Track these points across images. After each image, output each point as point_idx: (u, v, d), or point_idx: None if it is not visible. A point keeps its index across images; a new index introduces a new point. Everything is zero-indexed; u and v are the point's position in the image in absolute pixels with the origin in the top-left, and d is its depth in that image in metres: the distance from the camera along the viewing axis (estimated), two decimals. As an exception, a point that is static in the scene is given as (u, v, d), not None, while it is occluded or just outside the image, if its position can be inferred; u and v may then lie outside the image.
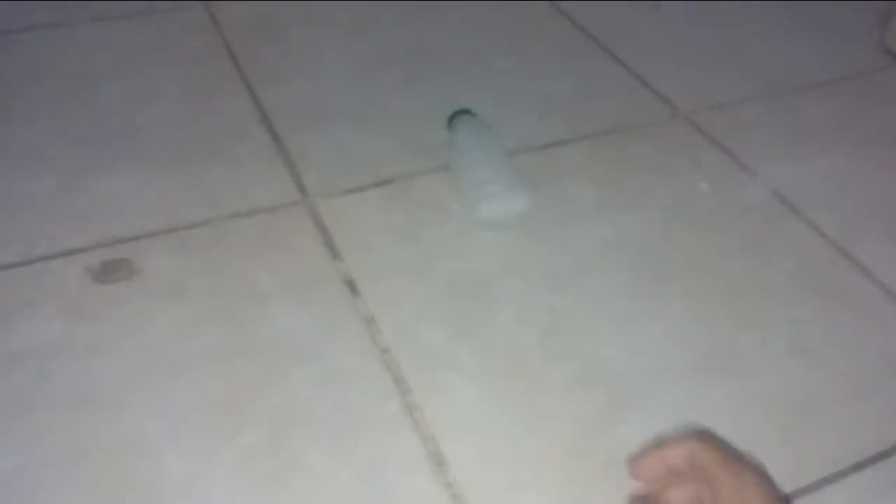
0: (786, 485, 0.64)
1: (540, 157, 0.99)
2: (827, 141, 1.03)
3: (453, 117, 0.98)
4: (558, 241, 0.87)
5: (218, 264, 0.81)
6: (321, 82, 1.08)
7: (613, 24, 1.23)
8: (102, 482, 0.62)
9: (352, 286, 0.80)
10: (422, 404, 0.69)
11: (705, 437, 0.56)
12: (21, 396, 0.68)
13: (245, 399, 0.68)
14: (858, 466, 0.67)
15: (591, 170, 0.97)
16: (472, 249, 0.85)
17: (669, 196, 0.93)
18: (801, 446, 0.68)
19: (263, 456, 0.64)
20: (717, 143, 1.02)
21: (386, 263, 0.82)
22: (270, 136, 0.98)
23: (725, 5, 1.30)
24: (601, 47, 1.19)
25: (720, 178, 0.96)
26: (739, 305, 0.80)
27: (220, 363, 0.71)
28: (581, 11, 1.26)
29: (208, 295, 0.77)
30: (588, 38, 1.20)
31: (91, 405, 0.67)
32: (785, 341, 0.77)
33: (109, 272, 0.79)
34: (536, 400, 0.70)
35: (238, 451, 0.65)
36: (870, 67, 1.18)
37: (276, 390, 0.69)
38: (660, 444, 0.58)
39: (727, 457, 0.54)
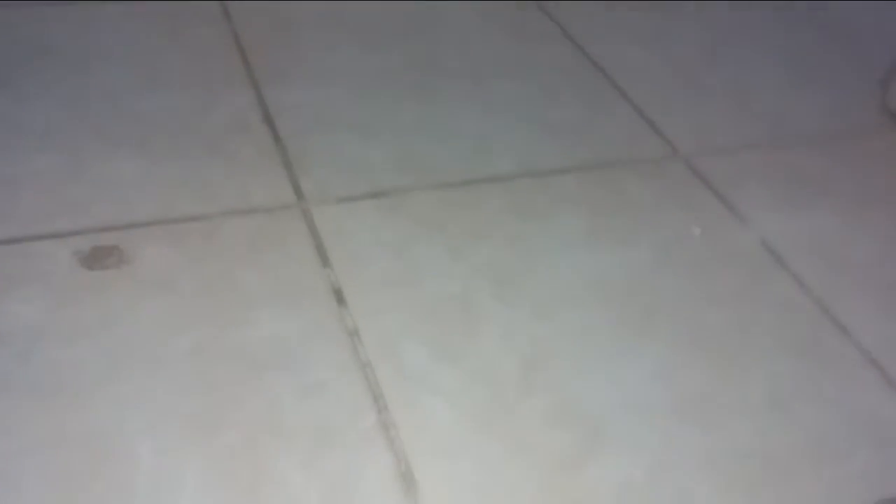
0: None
1: (538, 182, 0.99)
2: (821, 196, 1.05)
3: None
4: (548, 269, 0.87)
5: (208, 261, 0.81)
6: (328, 87, 1.08)
7: (624, 61, 1.24)
8: (74, 472, 0.62)
9: (339, 296, 0.80)
10: (398, 422, 0.69)
11: None
12: (-2, 377, 0.67)
13: (223, 402, 0.68)
14: (821, 526, 0.68)
15: (587, 200, 0.97)
16: (461, 269, 0.85)
17: (661, 236, 0.94)
18: (764, 502, 0.69)
19: (236, 462, 0.64)
20: (713, 187, 1.03)
21: (375, 276, 0.83)
22: (272, 136, 0.98)
23: (736, 52, 1.32)
24: (610, 81, 1.20)
25: (712, 223, 0.98)
26: (719, 354, 0.81)
27: (202, 362, 0.71)
28: (593, 46, 1.27)
29: (196, 291, 0.77)
30: (598, 70, 1.22)
31: (69, 392, 0.67)
32: (761, 395, 0.78)
33: (99, 258, 0.79)
34: (512, 430, 0.71)
35: (211, 454, 0.65)
36: (870, 127, 1.20)
37: (255, 396, 0.69)
38: None
39: None
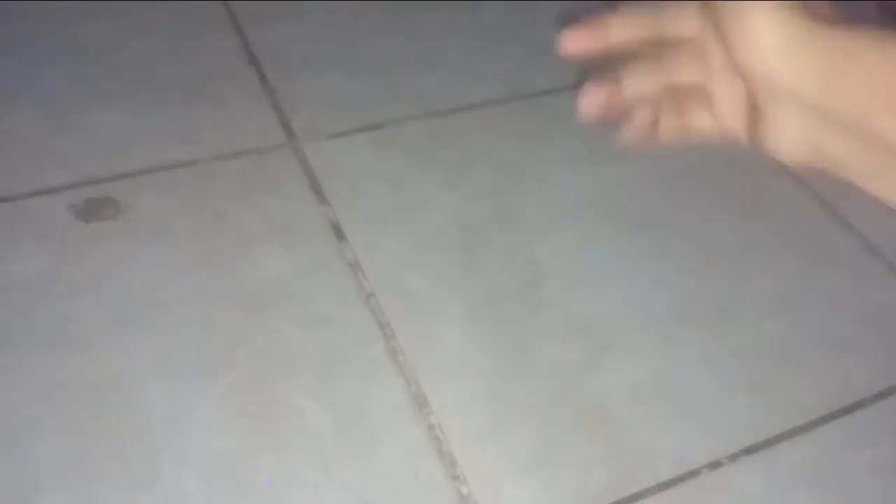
0: (754, 434, 0.65)
1: (530, 105, 0.97)
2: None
3: None
4: (542, 190, 0.86)
5: (203, 205, 0.80)
6: (312, 23, 1.05)
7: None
8: (85, 418, 0.62)
9: (337, 230, 0.79)
10: (405, 348, 0.70)
11: None
12: (2, 333, 0.67)
13: (228, 340, 0.69)
14: (829, 418, 0.68)
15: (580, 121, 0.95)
16: (458, 197, 0.84)
17: (657, 150, 0.92)
18: (772, 396, 0.69)
19: (246, 397, 0.65)
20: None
21: (372, 209, 0.82)
22: (258, 78, 0.96)
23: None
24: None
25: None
26: (721, 257, 0.81)
27: (204, 304, 0.71)
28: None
29: (193, 236, 0.77)
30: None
31: (74, 343, 0.67)
32: (765, 294, 0.77)
33: (94, 210, 0.78)
34: (518, 346, 0.71)
35: (221, 392, 0.65)
36: None
37: (260, 332, 0.69)
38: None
39: None
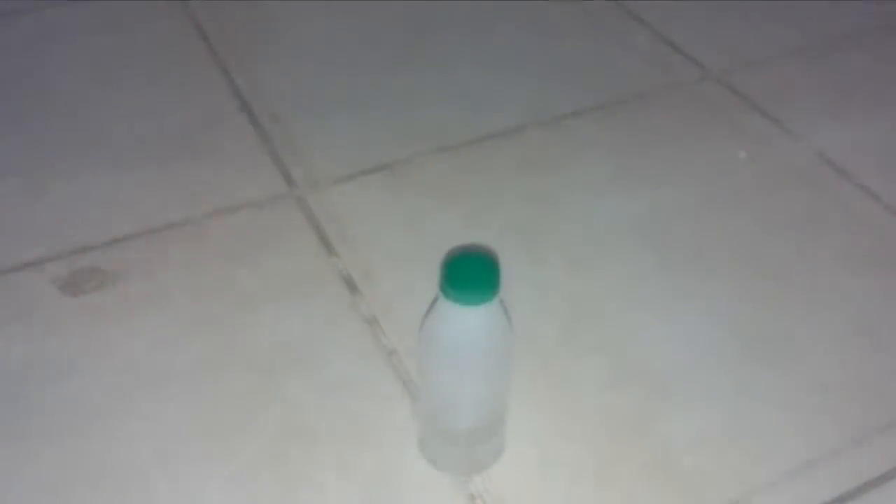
0: (852, 480, 0.63)
1: (552, 130, 0.98)
2: (874, 97, 1.03)
3: (451, 268, 0.55)
4: (576, 221, 0.87)
5: (201, 266, 0.81)
6: (303, 60, 1.08)
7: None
8: (84, 513, 0.62)
9: (350, 283, 0.80)
10: (436, 410, 0.69)
11: None
12: (-11, 424, 0.68)
13: (238, 415, 0.68)
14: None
15: (612, 141, 0.97)
16: (484, 236, 0.85)
17: (702, 167, 0.93)
18: (862, 437, 0.67)
19: (262, 475, 0.64)
20: (754, 104, 1.01)
21: (387, 257, 0.82)
22: (251, 124, 0.98)
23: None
24: (622, 8, 1.18)
25: (759, 144, 0.96)
26: (786, 283, 0.80)
27: (209, 376, 0.71)
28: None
29: (191, 301, 0.78)
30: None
31: (70, 431, 0.67)
32: (841, 320, 0.76)
33: (79, 282, 0.80)
34: (565, 397, 0.70)
35: (232, 472, 0.65)
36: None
37: (272, 403, 0.69)
38: None
39: None
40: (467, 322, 0.55)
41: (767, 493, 0.63)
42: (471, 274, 0.55)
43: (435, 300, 0.56)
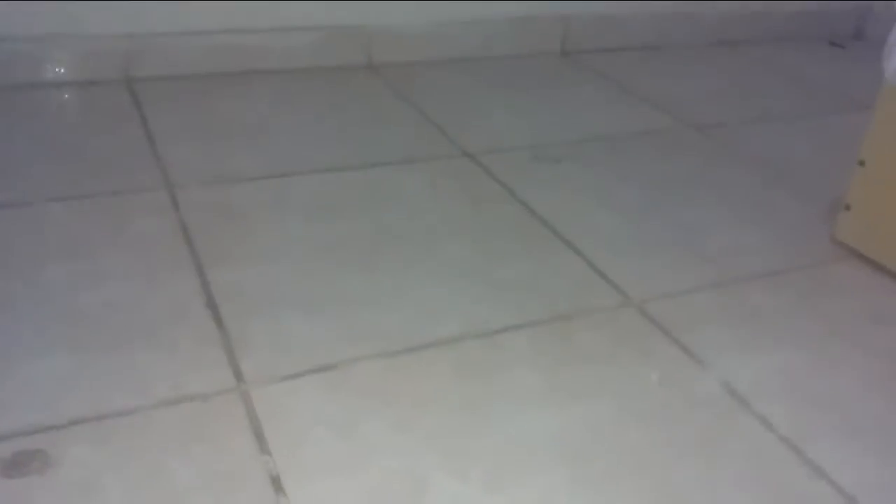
0: None
1: (487, 344, 1.04)
2: (778, 333, 1.10)
3: None
4: (501, 432, 0.89)
5: (137, 458, 0.83)
6: (274, 266, 1.15)
7: (568, 212, 1.34)
8: None
9: (276, 483, 0.81)
10: None
11: None
12: None
13: None
14: None
15: (540, 358, 1.02)
16: (410, 443, 0.87)
17: (619, 387, 0.98)
18: None
19: None
20: (668, 333, 1.08)
21: (316, 459, 0.84)
22: (213, 320, 1.03)
23: (677, 194, 1.43)
24: (557, 236, 1.28)
25: (671, 370, 1.01)
26: (687, 508, 0.82)
27: (125, 570, 0.71)
28: (541, 203, 1.37)
29: (123, 493, 0.79)
30: (545, 226, 1.31)
31: None
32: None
33: (20, 465, 0.81)
34: None
35: None
36: (819, 259, 1.28)
37: None
38: None
39: None
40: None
41: None
42: None
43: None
